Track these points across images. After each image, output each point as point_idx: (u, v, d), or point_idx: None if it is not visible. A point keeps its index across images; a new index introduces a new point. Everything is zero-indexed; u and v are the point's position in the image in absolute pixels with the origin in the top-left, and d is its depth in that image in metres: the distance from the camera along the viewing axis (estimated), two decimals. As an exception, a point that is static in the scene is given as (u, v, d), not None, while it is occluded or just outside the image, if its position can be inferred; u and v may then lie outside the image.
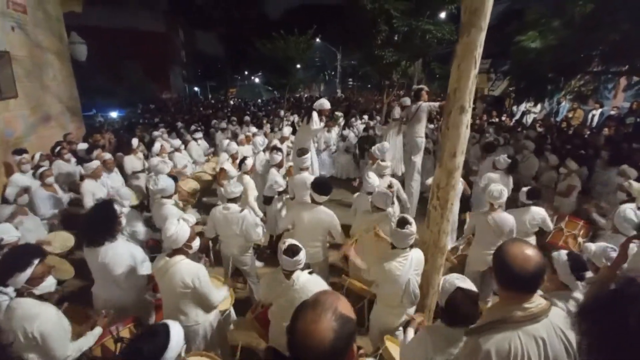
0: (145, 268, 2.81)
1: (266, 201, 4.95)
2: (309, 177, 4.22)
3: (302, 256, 2.33)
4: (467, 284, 1.85)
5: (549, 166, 5.89)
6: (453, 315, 1.80)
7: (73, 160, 5.66)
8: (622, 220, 3.08)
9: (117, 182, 5.08)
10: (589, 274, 2.13)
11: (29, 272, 1.92)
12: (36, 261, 1.96)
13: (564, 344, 1.32)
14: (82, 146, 6.22)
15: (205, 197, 6.89)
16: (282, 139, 7.00)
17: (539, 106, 12.51)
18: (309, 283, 2.35)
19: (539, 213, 3.77)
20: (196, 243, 2.57)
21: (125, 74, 22.08)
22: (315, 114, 5.25)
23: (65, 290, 3.66)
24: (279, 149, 5.33)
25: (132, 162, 5.76)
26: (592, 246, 2.59)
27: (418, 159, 5.98)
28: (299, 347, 0.92)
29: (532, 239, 3.82)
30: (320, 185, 3.46)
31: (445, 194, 2.91)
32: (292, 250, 2.33)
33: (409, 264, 2.57)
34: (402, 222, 2.57)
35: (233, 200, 3.59)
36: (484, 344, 1.31)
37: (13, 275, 1.89)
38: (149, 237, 3.94)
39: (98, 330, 2.25)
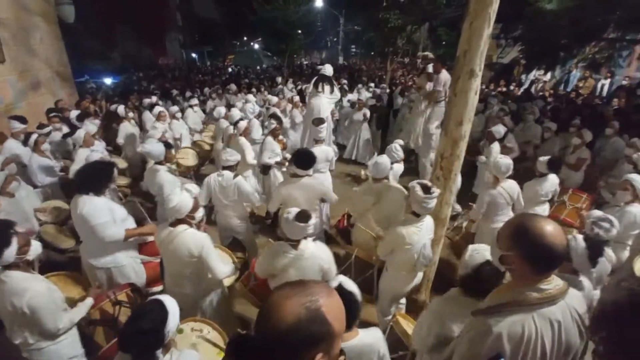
0: (127, 226, 2.80)
1: (263, 170, 4.81)
2: (325, 148, 4.28)
3: (313, 221, 2.27)
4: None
5: (551, 133, 5.80)
6: (476, 285, 1.74)
7: (65, 127, 5.50)
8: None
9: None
10: (601, 259, 2.04)
11: (14, 244, 1.89)
12: (13, 232, 1.92)
13: (578, 326, 1.24)
14: (75, 113, 6.02)
15: (203, 166, 6.79)
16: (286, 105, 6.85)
17: (548, 75, 12.06)
18: (318, 251, 2.35)
19: (555, 181, 3.69)
20: (199, 213, 2.54)
21: (118, 38, 21.22)
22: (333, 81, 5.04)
23: (69, 257, 3.68)
24: (277, 117, 5.15)
25: (126, 129, 5.59)
26: (598, 213, 2.49)
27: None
28: (262, 316, 0.83)
29: (546, 208, 3.76)
30: (301, 159, 3.36)
31: (449, 164, 2.81)
32: (305, 216, 2.25)
33: (425, 229, 2.58)
34: (427, 188, 2.47)
35: (228, 168, 3.51)
36: (495, 326, 1.22)
37: (2, 253, 1.86)
38: None
39: (89, 301, 2.27)
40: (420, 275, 2.87)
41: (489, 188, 3.52)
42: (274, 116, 5.19)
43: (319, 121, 4.58)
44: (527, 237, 1.19)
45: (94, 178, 2.69)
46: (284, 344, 0.79)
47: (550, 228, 1.18)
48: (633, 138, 4.87)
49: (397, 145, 4.07)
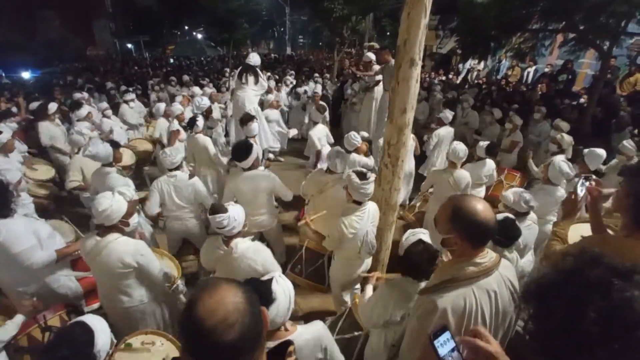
0: (55, 243, 2.49)
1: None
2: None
3: (223, 218, 2.14)
4: (429, 239, 1.86)
5: (493, 120, 6.22)
6: (409, 264, 1.84)
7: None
8: (557, 172, 3.25)
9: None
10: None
11: None
12: None
13: (511, 293, 1.36)
14: (-15, 113, 5.24)
15: (146, 166, 6.31)
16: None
17: (482, 64, 12.98)
18: (249, 251, 2.20)
19: (492, 165, 3.97)
20: (134, 220, 2.31)
21: (37, 26, 18.80)
22: (259, 72, 4.87)
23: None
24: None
25: (49, 130, 4.95)
26: (510, 195, 2.74)
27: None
28: (204, 333, 0.75)
29: (483, 190, 4.03)
30: (236, 151, 3.25)
31: (396, 151, 2.88)
32: (213, 210, 2.16)
33: (367, 217, 2.60)
34: (363, 175, 2.54)
35: (176, 168, 3.33)
36: (440, 302, 1.30)
37: None
38: None
39: (19, 318, 2.02)
40: (368, 261, 2.93)
41: (439, 171, 3.71)
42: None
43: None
44: (464, 218, 1.29)
45: None
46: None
47: (480, 206, 1.29)
48: (557, 120, 5.40)
49: (355, 133, 4.08)
